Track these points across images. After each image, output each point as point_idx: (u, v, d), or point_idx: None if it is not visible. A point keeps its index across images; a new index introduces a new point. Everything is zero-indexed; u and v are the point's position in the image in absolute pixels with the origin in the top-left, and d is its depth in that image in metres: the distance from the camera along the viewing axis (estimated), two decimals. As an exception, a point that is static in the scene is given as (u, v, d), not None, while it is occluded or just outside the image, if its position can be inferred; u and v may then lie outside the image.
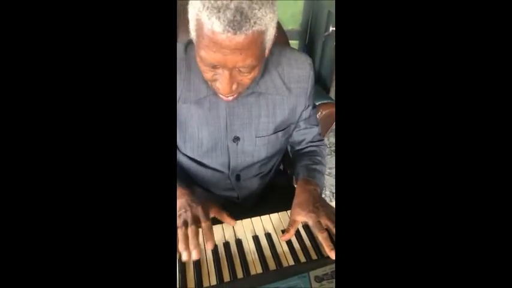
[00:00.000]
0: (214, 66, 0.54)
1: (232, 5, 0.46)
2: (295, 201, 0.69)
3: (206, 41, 0.49)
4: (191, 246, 0.56)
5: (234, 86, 0.57)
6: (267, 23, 0.49)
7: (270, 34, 0.53)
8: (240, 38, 0.48)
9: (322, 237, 0.61)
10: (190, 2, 0.51)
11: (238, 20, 0.46)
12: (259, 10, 0.47)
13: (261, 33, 0.50)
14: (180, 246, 0.56)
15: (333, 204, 0.73)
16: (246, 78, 0.57)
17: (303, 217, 0.65)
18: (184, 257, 0.55)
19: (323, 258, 0.60)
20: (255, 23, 0.48)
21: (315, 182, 0.74)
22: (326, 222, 0.63)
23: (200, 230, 0.59)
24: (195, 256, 0.55)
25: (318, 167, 0.79)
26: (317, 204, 0.66)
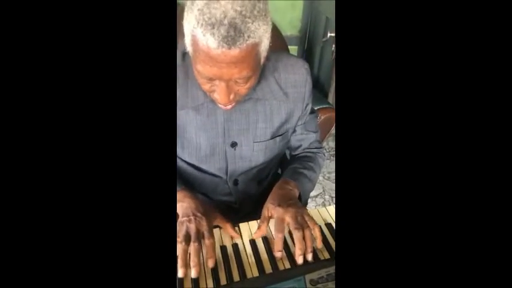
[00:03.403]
0: (210, 79, 0.55)
1: (226, 21, 0.47)
2: (269, 197, 0.70)
3: (202, 56, 0.51)
4: (192, 264, 0.56)
5: (232, 96, 0.58)
6: (261, 35, 0.51)
7: (265, 45, 0.54)
8: (234, 52, 0.49)
9: (276, 237, 0.61)
10: (185, 17, 0.52)
11: (232, 35, 0.47)
12: (252, 23, 0.49)
13: (256, 46, 0.51)
14: (179, 262, 0.56)
15: (333, 207, 0.74)
16: (243, 88, 0.58)
17: (270, 211, 0.66)
18: (181, 274, 0.56)
19: (319, 262, 0.61)
20: (248, 36, 0.49)
21: (294, 183, 0.74)
22: (290, 221, 0.63)
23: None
24: (193, 274, 0.56)
25: (305, 171, 0.79)
26: (289, 201, 0.67)
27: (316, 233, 0.63)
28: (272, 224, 0.66)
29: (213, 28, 0.47)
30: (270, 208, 0.66)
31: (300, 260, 0.59)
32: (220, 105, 0.62)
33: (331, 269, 0.57)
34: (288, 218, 0.63)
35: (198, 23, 0.48)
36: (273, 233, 0.63)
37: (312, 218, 0.65)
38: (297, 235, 0.60)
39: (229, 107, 0.62)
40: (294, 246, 0.60)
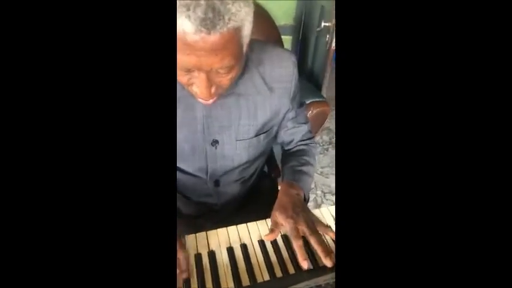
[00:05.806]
0: (188, 70, 0.49)
1: (202, 1, 0.40)
2: (276, 204, 0.67)
3: (177, 43, 0.44)
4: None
5: (213, 89, 0.52)
6: (242, 18, 0.44)
7: (247, 29, 0.47)
8: (215, 37, 0.43)
9: (296, 245, 0.59)
10: None
11: (211, 17, 0.41)
12: (233, 4, 0.42)
13: (238, 30, 0.45)
14: None
15: (324, 209, 0.70)
16: (225, 79, 0.52)
17: (281, 221, 0.63)
18: None
19: (300, 273, 0.56)
20: (229, 19, 0.42)
21: (298, 185, 0.71)
22: (303, 229, 0.60)
23: None
24: None
25: (304, 168, 0.76)
26: (297, 209, 0.64)
27: (330, 234, 0.64)
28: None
29: (188, 10, 0.41)
30: (280, 219, 0.63)
31: (328, 263, 0.57)
32: (200, 100, 0.56)
33: (320, 280, 0.53)
34: (302, 227, 0.61)
35: None
36: (292, 242, 0.61)
37: (321, 221, 0.65)
38: (315, 240, 0.59)
39: (210, 101, 0.55)
40: (316, 252, 0.59)
